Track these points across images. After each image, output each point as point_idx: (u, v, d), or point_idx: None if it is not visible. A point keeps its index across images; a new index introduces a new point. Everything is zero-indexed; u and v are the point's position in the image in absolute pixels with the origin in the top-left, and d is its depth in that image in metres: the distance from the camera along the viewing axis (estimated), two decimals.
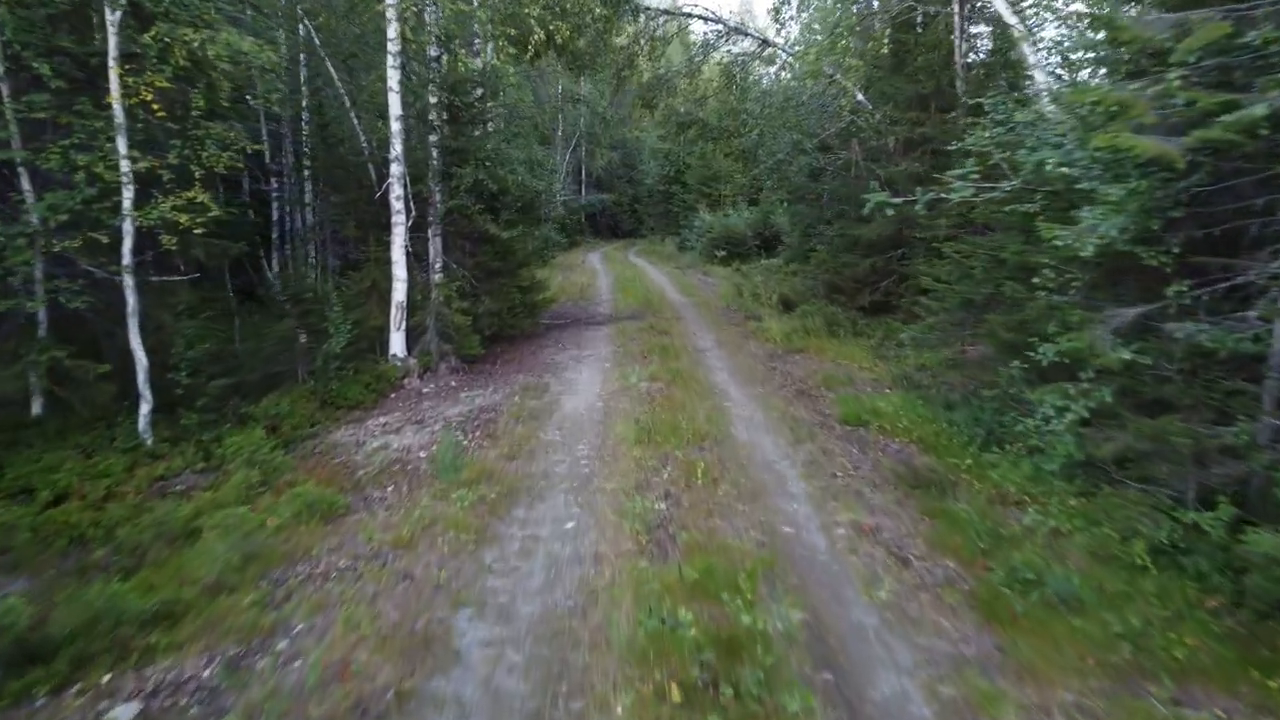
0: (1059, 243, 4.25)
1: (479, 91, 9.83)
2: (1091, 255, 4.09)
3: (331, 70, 10.09)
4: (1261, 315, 3.88)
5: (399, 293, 8.61)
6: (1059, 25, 12.48)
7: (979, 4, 11.84)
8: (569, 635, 3.44)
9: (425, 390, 8.52)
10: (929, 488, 5.44)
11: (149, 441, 6.89)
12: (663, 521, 4.64)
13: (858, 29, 11.12)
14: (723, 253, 23.18)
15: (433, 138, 9.45)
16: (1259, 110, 3.37)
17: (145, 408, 6.87)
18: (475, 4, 9.03)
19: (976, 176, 5.20)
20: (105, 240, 6.11)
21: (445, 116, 9.65)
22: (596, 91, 16.22)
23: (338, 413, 7.88)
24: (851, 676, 3.20)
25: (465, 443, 6.64)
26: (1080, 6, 10.09)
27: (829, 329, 11.43)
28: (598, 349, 10.69)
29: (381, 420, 7.60)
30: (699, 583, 3.81)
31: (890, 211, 5.56)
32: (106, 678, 3.35)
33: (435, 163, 9.41)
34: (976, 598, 3.89)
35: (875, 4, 13.18)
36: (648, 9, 12.84)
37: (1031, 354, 5.60)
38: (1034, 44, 8.74)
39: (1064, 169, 4.50)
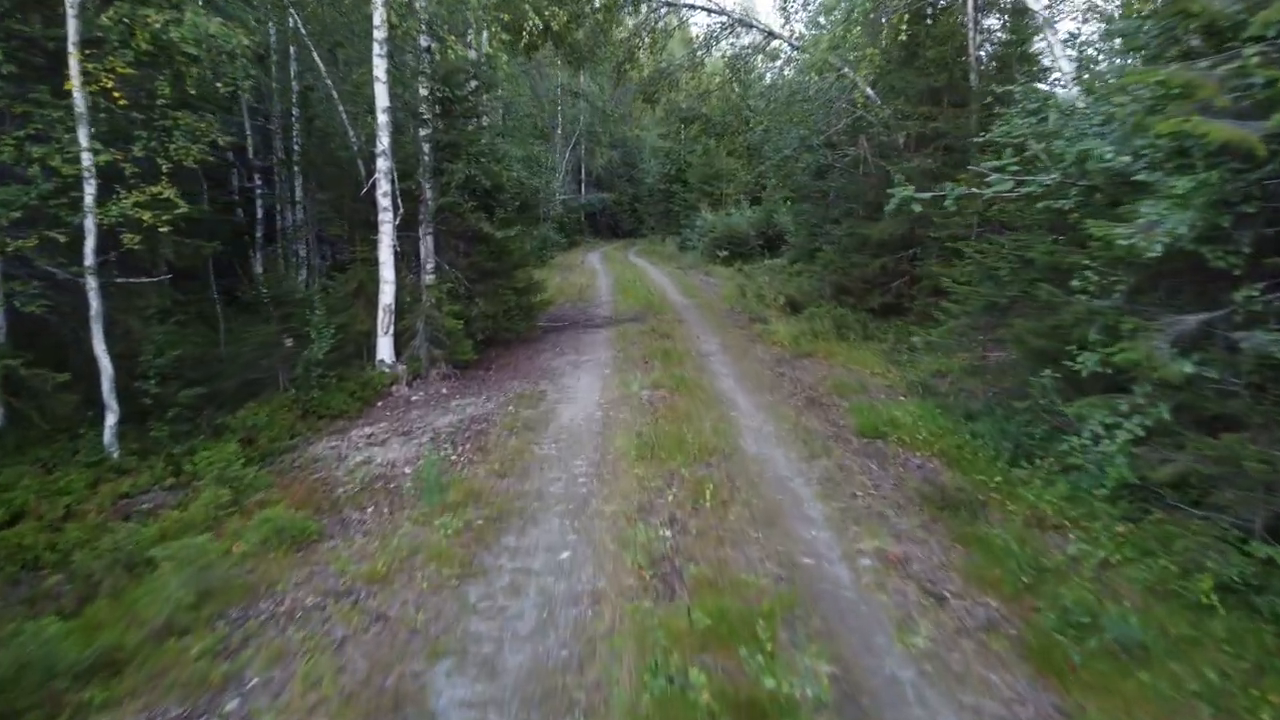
0: (1122, 241, 3.77)
1: (473, 84, 9.34)
2: (1160, 255, 3.61)
3: (319, 61, 9.62)
4: None
5: (386, 295, 8.14)
6: (1077, 16, 12.04)
7: None
8: (562, 696, 2.97)
9: (414, 398, 8.05)
10: (958, 509, 4.97)
11: (115, 455, 6.43)
12: (668, 552, 4.17)
13: (871, 15, 10.64)
14: (725, 253, 22.72)
15: (423, 132, 8.98)
16: None
17: (111, 419, 6.41)
18: None
19: (1015, 169, 4.70)
20: (64, 239, 5.64)
21: (437, 110, 9.18)
22: (596, 85, 15.73)
23: (320, 423, 7.41)
24: None
25: (454, 457, 6.17)
26: None
27: (838, 332, 10.96)
28: (597, 353, 10.22)
29: (366, 431, 7.14)
30: (711, 630, 3.34)
31: (917, 208, 5.10)
32: None
33: (426, 158, 8.94)
34: (1026, 645, 3.42)
35: None
36: (649, 0, 12.38)
37: (1070, 363, 5.17)
38: (1055, 32, 8.28)
39: (1120, 159, 4.02)
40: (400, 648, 3.36)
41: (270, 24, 10.96)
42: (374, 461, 6.26)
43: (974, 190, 5.04)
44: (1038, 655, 3.34)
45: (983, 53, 11.87)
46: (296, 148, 11.13)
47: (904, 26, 9.98)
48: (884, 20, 10.82)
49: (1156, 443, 4.19)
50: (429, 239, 9.35)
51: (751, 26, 12.93)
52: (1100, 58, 7.42)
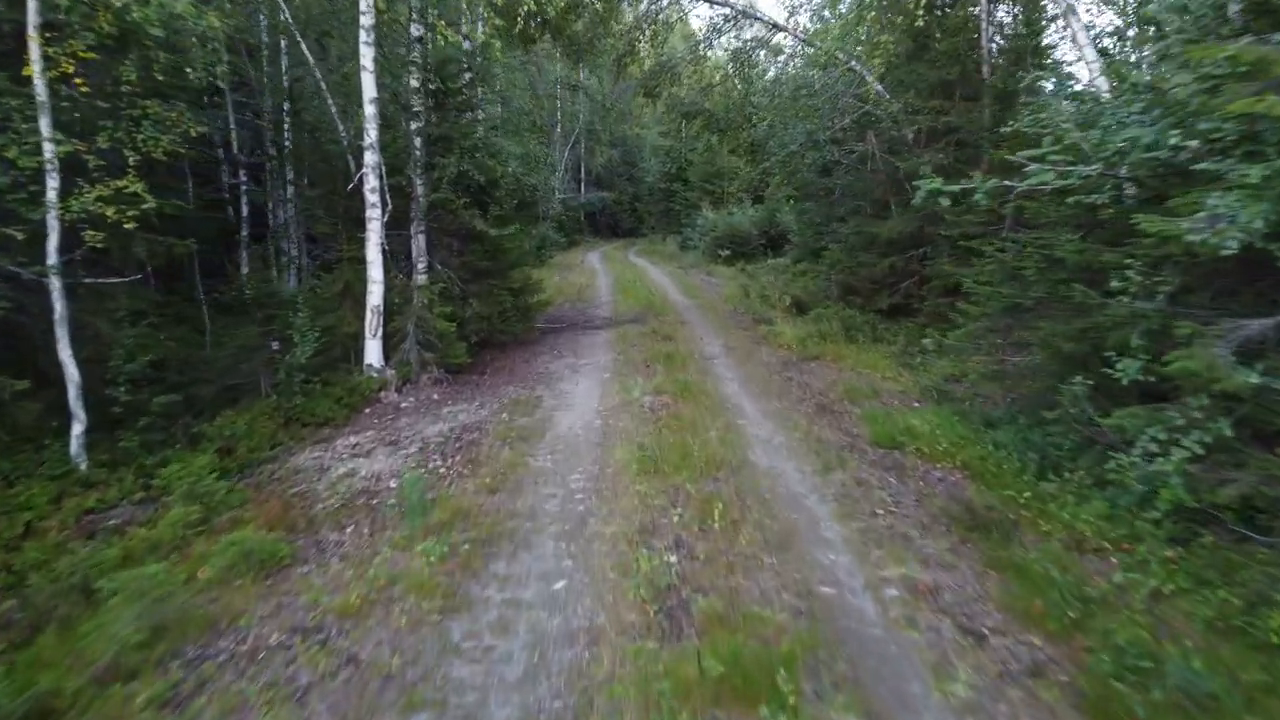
0: (1191, 237, 3.35)
1: (467, 75, 8.94)
2: (1234, 252, 3.20)
3: (306, 53, 9.21)
4: None
5: (374, 296, 7.74)
6: (1092, 8, 11.62)
7: None
8: None
9: (404, 405, 7.65)
10: (988, 530, 4.57)
11: (83, 467, 6.04)
12: (674, 581, 3.76)
13: (884, 2, 10.25)
14: (727, 252, 22.33)
15: (415, 125, 8.58)
16: None
17: (78, 428, 6.02)
18: None
19: (1057, 158, 4.29)
20: (21, 236, 5.24)
21: (431, 103, 8.78)
22: (595, 78, 15.32)
23: (303, 431, 7.01)
24: None
25: (443, 469, 5.77)
26: None
27: (847, 334, 10.56)
28: (596, 357, 9.82)
29: (352, 440, 6.73)
30: (724, 679, 2.93)
31: (945, 201, 4.68)
32: None
33: (418, 152, 8.54)
34: (1081, 694, 3.02)
35: None
36: None
37: (1109, 371, 4.78)
38: (1079, 19, 7.87)
39: (1184, 143, 3.60)
40: (371, 699, 2.96)
41: (261, 15, 10.58)
42: (358, 474, 5.86)
43: (1008, 183, 4.63)
44: (1095, 707, 2.94)
45: (995, 45, 11.44)
46: (288, 143, 10.75)
47: (920, 13, 9.57)
48: (899, 5, 10.41)
49: (1214, 460, 3.80)
50: (421, 237, 8.95)
51: (756, 19, 12.51)
52: (1129, 44, 7.01)
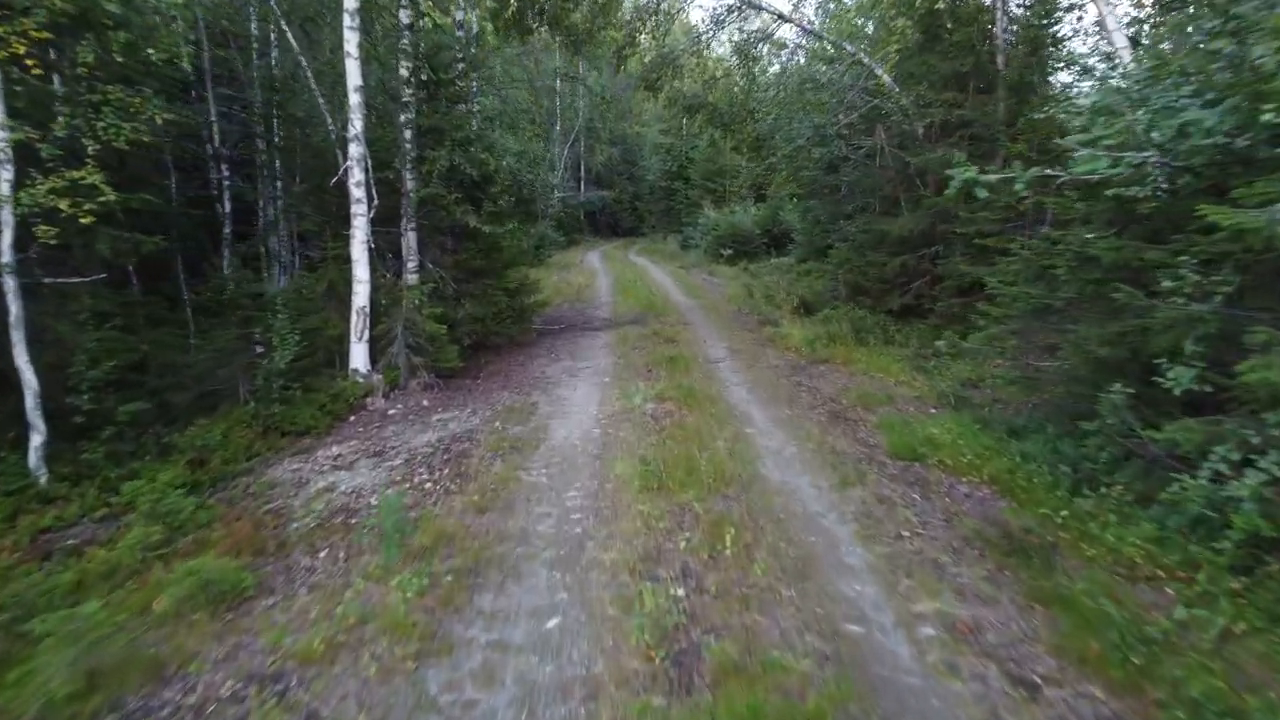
0: None
1: (460, 64, 8.50)
2: None
3: (291, 40, 8.78)
4: None
5: (360, 296, 7.30)
6: None
7: None
8: None
9: (391, 412, 7.21)
10: (1026, 555, 4.14)
11: (42, 480, 5.62)
12: (682, 620, 3.33)
13: None
14: (729, 251, 21.91)
15: (404, 116, 8.14)
16: None
17: (37, 439, 5.61)
18: None
19: (1110, 144, 3.85)
20: None
21: (423, 94, 8.34)
22: (595, 70, 14.89)
23: (282, 441, 6.58)
24: None
25: (430, 484, 5.34)
26: None
27: (856, 336, 10.12)
28: (596, 360, 9.39)
29: (334, 451, 6.30)
30: None
31: (983, 193, 4.24)
32: None
33: (407, 145, 8.11)
34: None
35: None
36: None
37: (1159, 379, 4.35)
38: (1105, 3, 7.43)
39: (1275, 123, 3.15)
40: None
41: (251, 6, 10.15)
42: (337, 489, 5.43)
43: (1050, 171, 4.19)
44: None
45: (1009, 35, 11.00)
46: (279, 137, 10.30)
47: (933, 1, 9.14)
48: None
49: None
50: (411, 235, 8.52)
51: (760, 9, 12.08)
52: (1160, 29, 6.59)
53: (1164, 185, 4.61)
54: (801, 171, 14.17)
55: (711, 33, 12.28)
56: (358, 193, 7.18)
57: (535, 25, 11.19)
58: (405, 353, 7.42)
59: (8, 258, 5.21)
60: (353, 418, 7.11)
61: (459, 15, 9.99)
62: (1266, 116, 3.23)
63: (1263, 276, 4.03)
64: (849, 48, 12.51)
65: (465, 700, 2.88)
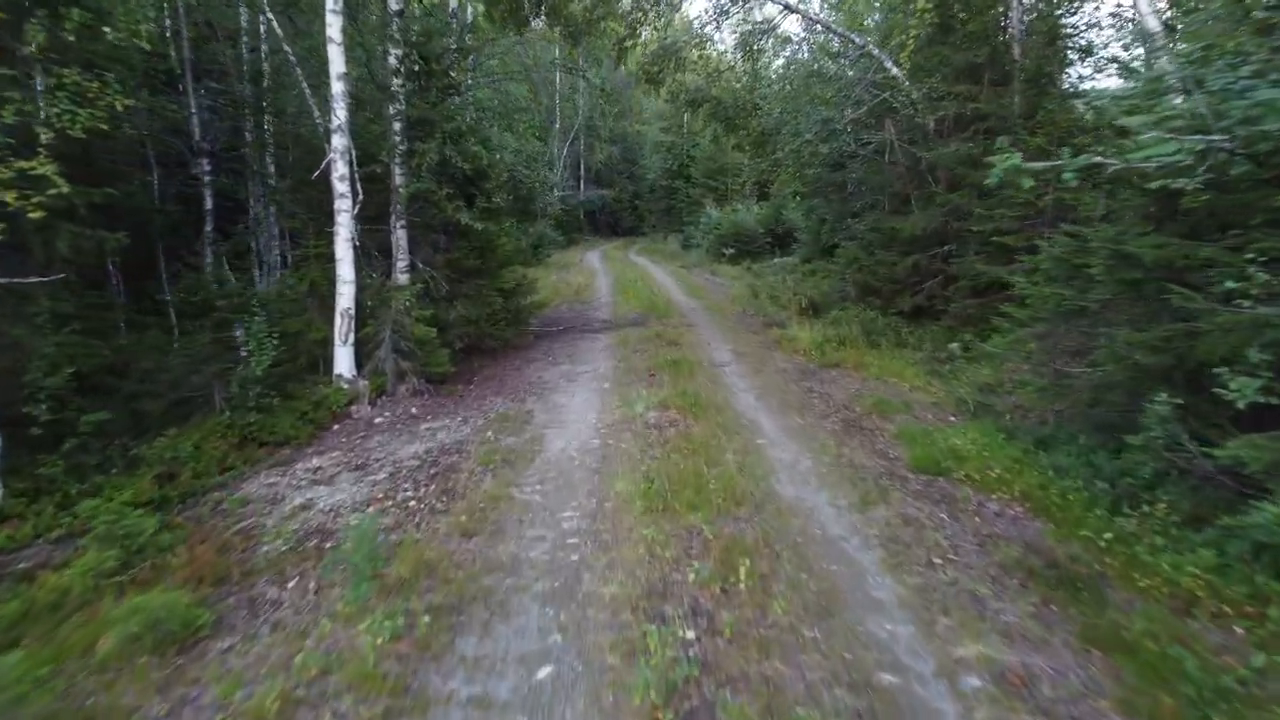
0: None
1: (453, 51, 8.07)
2: None
3: (276, 28, 8.36)
4: None
5: (345, 298, 6.88)
6: None
7: None
8: None
9: (377, 420, 6.78)
10: (1074, 587, 3.72)
11: None
12: (694, 674, 2.90)
13: None
14: (731, 250, 21.50)
15: (394, 107, 7.71)
16: None
17: None
18: None
19: (1180, 124, 3.42)
20: None
21: (413, 85, 7.91)
22: (595, 61, 14.45)
23: (260, 452, 6.15)
24: None
25: (414, 501, 4.91)
26: None
27: (868, 338, 9.70)
28: (595, 363, 8.96)
29: (314, 464, 5.88)
30: None
31: (1028, 183, 3.81)
32: None
33: (396, 137, 7.68)
34: None
35: None
36: None
37: (1221, 390, 3.93)
38: None
39: None
40: None
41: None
42: (315, 507, 5.01)
43: (1103, 159, 3.77)
44: None
45: (1024, 24, 10.55)
46: (268, 130, 9.87)
47: None
48: None
49: None
50: (401, 232, 8.10)
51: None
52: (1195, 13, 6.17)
53: (1215, 175, 4.19)
54: (807, 169, 13.73)
55: (715, 23, 11.85)
56: (341, 187, 6.76)
57: (532, 15, 10.76)
58: (393, 357, 7.00)
59: None
60: (336, 427, 6.68)
61: (453, 2, 9.56)
62: None
63: None
64: (857, 39, 12.10)
65: None
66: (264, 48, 10.09)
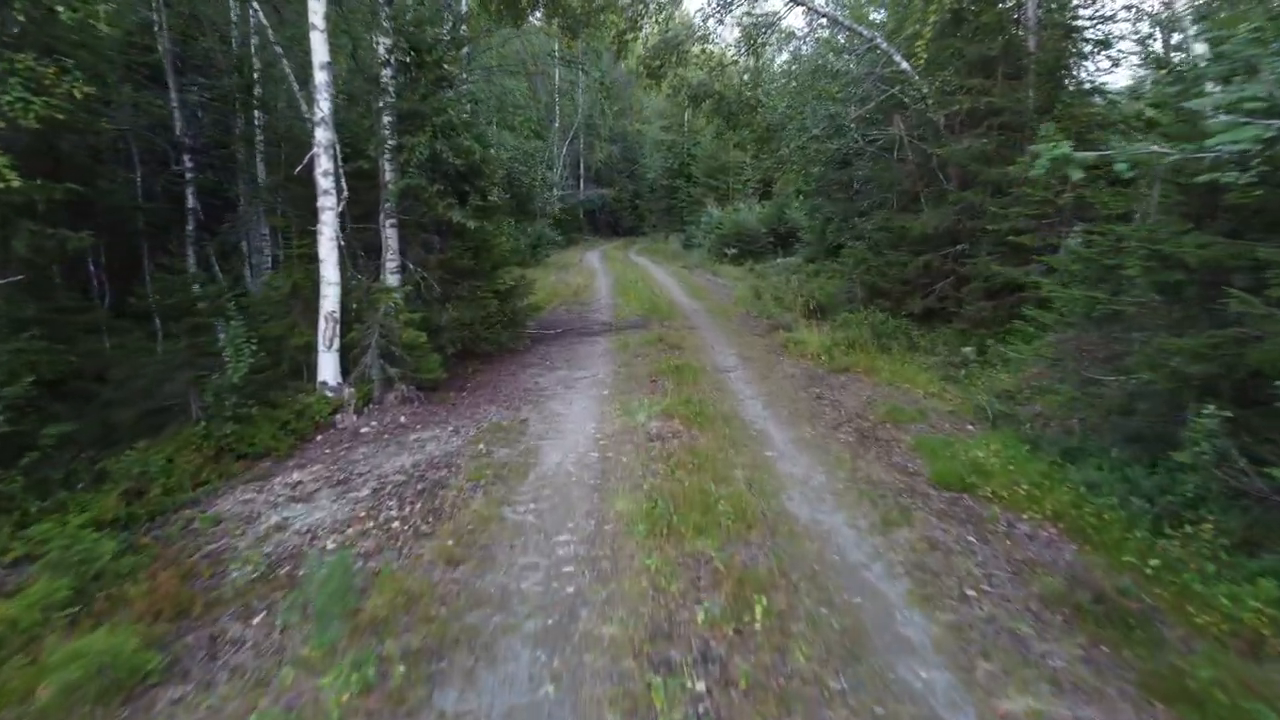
0: None
1: (446, 40, 7.69)
2: None
3: (262, 18, 7.98)
4: None
5: (329, 301, 6.50)
6: None
7: None
8: None
9: (363, 430, 6.41)
10: (1125, 625, 3.35)
11: None
12: None
13: None
14: (733, 250, 21.14)
15: (384, 100, 7.34)
16: None
17: None
18: None
19: (1259, 102, 3.05)
20: None
21: (404, 78, 7.54)
22: (594, 52, 14.06)
23: (237, 466, 5.78)
24: None
25: (396, 522, 4.54)
26: None
27: (878, 342, 9.32)
28: (594, 368, 8.59)
29: (294, 478, 5.51)
30: None
31: (1077, 173, 3.44)
32: None
33: (386, 131, 7.30)
34: None
35: None
36: None
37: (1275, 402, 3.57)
38: None
39: None
40: None
41: None
42: (291, 527, 4.64)
43: (1158, 148, 3.39)
44: None
45: (1039, 14, 10.16)
46: (258, 126, 9.50)
47: None
48: None
49: None
50: (391, 231, 7.72)
51: None
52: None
53: (1271, 167, 3.82)
54: (812, 166, 13.35)
55: (718, 16, 11.47)
56: (325, 183, 6.38)
57: (530, 7, 10.39)
58: (380, 363, 6.62)
59: None
60: (319, 437, 6.31)
61: None
62: None
63: None
64: (865, 32, 11.72)
65: None
66: (254, 40, 9.73)
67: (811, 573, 3.71)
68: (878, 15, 13.54)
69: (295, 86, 8.53)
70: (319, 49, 6.22)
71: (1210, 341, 4.47)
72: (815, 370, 8.50)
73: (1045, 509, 4.68)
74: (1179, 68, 4.71)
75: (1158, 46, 10.21)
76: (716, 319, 12.11)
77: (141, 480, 5.36)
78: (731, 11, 11.57)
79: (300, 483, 5.41)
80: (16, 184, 4.13)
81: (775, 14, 11.98)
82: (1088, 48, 10.29)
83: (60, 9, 4.14)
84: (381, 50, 7.26)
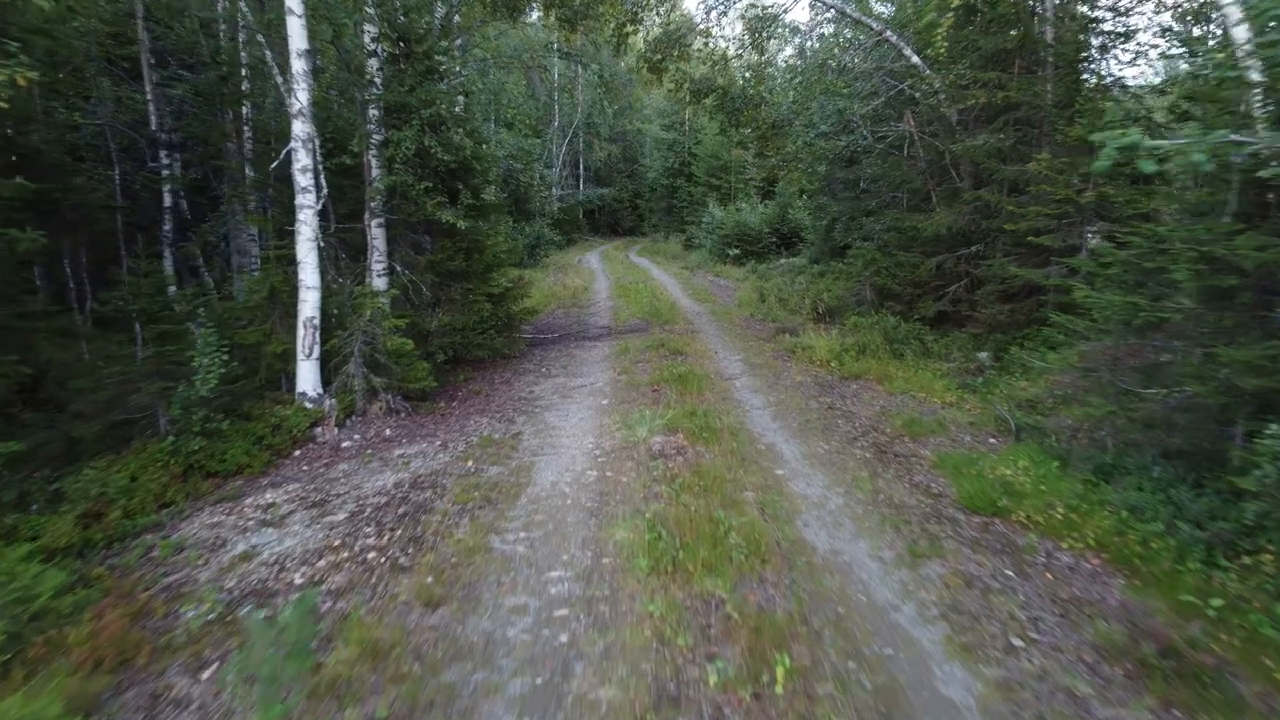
0: None
1: (436, 31, 7.26)
2: None
3: (245, 9, 7.56)
4: None
5: (308, 306, 6.08)
6: None
7: None
8: None
9: (345, 444, 5.99)
10: (1198, 681, 2.93)
11: None
12: None
13: None
14: (735, 251, 20.72)
15: (371, 92, 6.91)
16: None
17: None
18: None
19: None
20: None
21: (392, 70, 7.11)
22: (593, 45, 13.63)
23: (206, 485, 5.36)
24: None
25: (373, 553, 4.11)
26: None
27: (890, 347, 8.91)
28: (592, 375, 8.16)
29: (267, 498, 5.09)
30: None
31: (1150, 166, 3.02)
32: None
33: (372, 125, 6.88)
34: None
35: None
36: None
37: None
38: None
39: None
40: None
41: None
42: (258, 557, 4.22)
43: (1239, 137, 2.97)
44: None
45: (1056, 4, 9.73)
46: (247, 123, 9.07)
47: None
48: None
49: None
50: (379, 232, 7.30)
51: None
52: None
53: None
54: (819, 164, 12.92)
55: (722, 7, 11.04)
56: (304, 180, 5.96)
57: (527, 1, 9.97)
58: (363, 372, 6.20)
59: None
60: (297, 453, 5.89)
61: None
62: None
63: None
64: (874, 24, 11.30)
65: None
66: (243, 33, 9.31)
67: (836, 617, 3.29)
68: (884, 9, 13.14)
69: (279, 80, 8.11)
70: (296, 36, 5.80)
71: (1269, 353, 4.06)
72: (825, 377, 8.08)
73: (1086, 536, 4.27)
74: (1215, 54, 4.28)
75: (1178, 41, 9.78)
76: (720, 322, 11.69)
77: (100, 501, 4.94)
78: (735, 4, 11.15)
79: (273, 504, 4.99)
80: None
81: (780, 4, 11.52)
82: (1108, 40, 9.86)
83: None
84: (368, 39, 6.84)
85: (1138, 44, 9.54)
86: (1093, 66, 9.46)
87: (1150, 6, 10.90)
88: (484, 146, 7.59)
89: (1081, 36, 9.52)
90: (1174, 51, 8.38)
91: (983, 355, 8.61)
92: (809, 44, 12.79)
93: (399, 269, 7.32)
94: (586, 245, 30.22)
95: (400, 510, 4.67)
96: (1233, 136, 3.02)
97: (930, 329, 9.67)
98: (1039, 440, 5.91)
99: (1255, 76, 4.21)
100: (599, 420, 6.41)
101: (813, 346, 9.09)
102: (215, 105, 9.13)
